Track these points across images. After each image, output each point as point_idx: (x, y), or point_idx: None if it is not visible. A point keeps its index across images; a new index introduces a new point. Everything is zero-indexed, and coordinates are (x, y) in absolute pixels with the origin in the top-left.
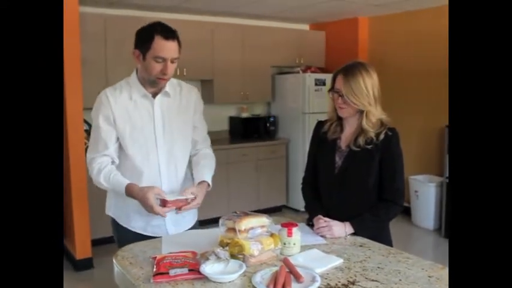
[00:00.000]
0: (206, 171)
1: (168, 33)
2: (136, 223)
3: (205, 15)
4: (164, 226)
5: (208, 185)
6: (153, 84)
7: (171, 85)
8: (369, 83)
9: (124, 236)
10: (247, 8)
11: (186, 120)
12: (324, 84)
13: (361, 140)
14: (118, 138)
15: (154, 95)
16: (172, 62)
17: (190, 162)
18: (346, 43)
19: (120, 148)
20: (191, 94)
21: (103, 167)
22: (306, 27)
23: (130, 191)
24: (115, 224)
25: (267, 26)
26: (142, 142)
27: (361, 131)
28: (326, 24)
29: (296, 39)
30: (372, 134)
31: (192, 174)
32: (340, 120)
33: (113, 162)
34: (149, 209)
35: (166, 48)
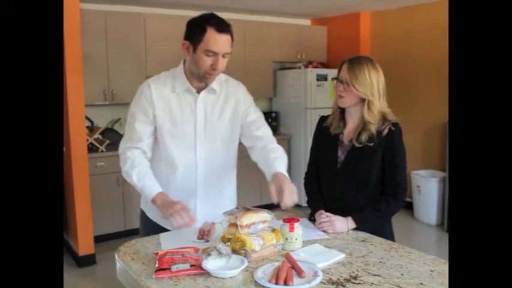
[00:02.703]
0: (279, 162)
1: (222, 26)
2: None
3: (207, 10)
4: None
5: (285, 175)
6: (202, 79)
7: (218, 81)
8: (373, 76)
9: (150, 230)
10: (248, 3)
11: (231, 119)
12: (325, 79)
13: (363, 137)
14: (154, 132)
15: (199, 90)
16: (223, 56)
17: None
18: (348, 38)
19: (157, 139)
20: (238, 90)
21: (137, 163)
22: (307, 22)
23: (161, 197)
24: (143, 217)
25: (269, 21)
26: (181, 138)
27: (363, 126)
28: (328, 20)
29: (298, 35)
30: (374, 128)
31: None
32: (342, 114)
33: (144, 155)
34: (181, 213)
35: (219, 41)
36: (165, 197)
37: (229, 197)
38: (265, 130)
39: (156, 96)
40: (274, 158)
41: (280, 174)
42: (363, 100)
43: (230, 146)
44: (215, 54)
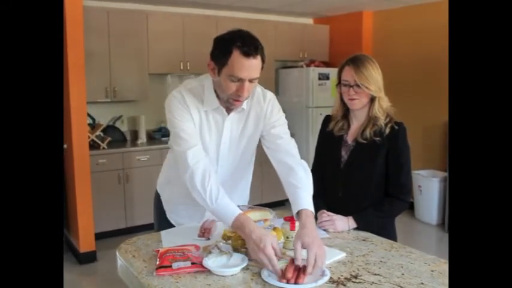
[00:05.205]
0: (304, 195)
1: (250, 49)
2: (179, 219)
3: (209, 8)
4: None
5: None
6: (227, 103)
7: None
8: (376, 71)
9: (163, 223)
10: (251, 1)
11: (252, 136)
12: (327, 78)
13: (368, 132)
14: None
15: (227, 109)
16: (251, 81)
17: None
18: (350, 37)
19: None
20: (262, 102)
21: (208, 180)
22: (309, 21)
23: (242, 223)
24: (158, 201)
25: (271, 20)
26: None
27: (368, 122)
28: (330, 18)
29: (300, 33)
30: (382, 122)
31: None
32: (346, 117)
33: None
34: (262, 256)
35: (244, 67)
36: (250, 223)
37: (242, 197)
38: (287, 143)
39: (191, 106)
40: (298, 189)
41: (310, 226)
42: (371, 99)
43: (249, 154)
44: (240, 80)
